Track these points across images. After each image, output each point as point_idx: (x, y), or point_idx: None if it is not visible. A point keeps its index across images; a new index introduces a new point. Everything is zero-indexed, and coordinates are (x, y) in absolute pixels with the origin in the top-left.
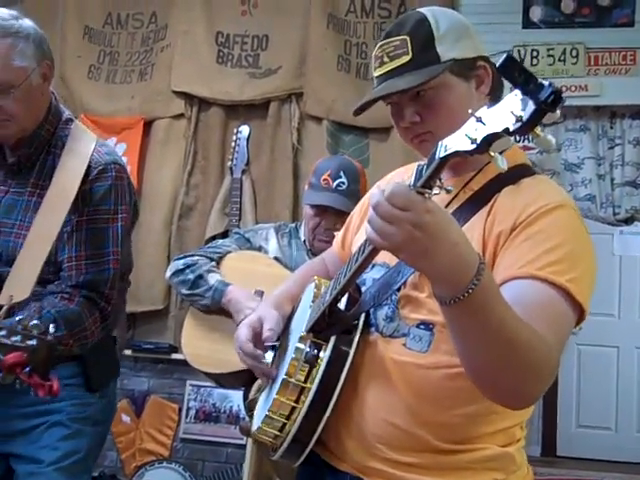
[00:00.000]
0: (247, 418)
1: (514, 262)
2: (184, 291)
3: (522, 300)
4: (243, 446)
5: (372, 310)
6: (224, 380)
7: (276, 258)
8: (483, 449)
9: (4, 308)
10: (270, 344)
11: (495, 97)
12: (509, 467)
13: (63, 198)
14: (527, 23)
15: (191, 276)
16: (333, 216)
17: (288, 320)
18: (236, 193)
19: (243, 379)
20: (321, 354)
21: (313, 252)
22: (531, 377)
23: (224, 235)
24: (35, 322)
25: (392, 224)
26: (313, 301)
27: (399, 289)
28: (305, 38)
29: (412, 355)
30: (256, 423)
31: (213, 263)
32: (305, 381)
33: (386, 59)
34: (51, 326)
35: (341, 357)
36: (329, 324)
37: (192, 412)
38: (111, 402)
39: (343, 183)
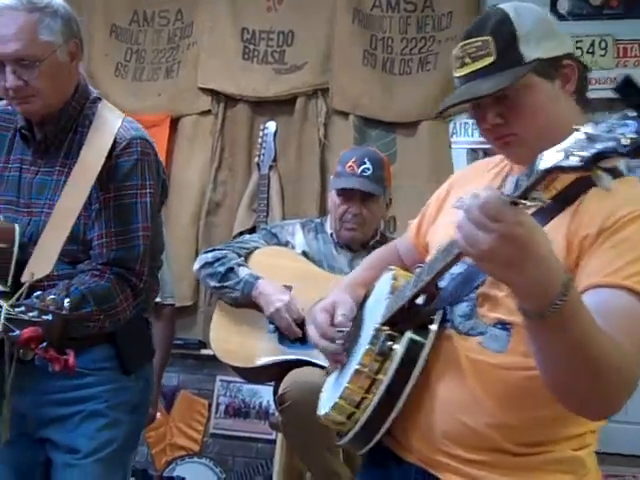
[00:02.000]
0: (277, 413)
1: (599, 269)
2: (213, 283)
3: (604, 309)
4: (273, 441)
5: (449, 306)
6: (252, 375)
7: (304, 252)
8: (553, 451)
9: (25, 285)
10: (343, 329)
11: (580, 95)
12: (579, 471)
13: (87, 174)
14: (555, 15)
15: (221, 269)
16: (359, 201)
17: (360, 306)
18: (263, 189)
19: (271, 374)
20: (396, 347)
21: (340, 244)
22: (612, 392)
23: (252, 231)
24: (52, 297)
25: (481, 232)
26: (391, 292)
27: (478, 287)
28: (330, 33)
29: (488, 354)
30: (324, 407)
31: (242, 259)
32: (378, 372)
33: (468, 60)
34: (66, 300)
35: (416, 352)
36: (406, 318)
37: (222, 407)
38: (148, 385)
39: (368, 169)
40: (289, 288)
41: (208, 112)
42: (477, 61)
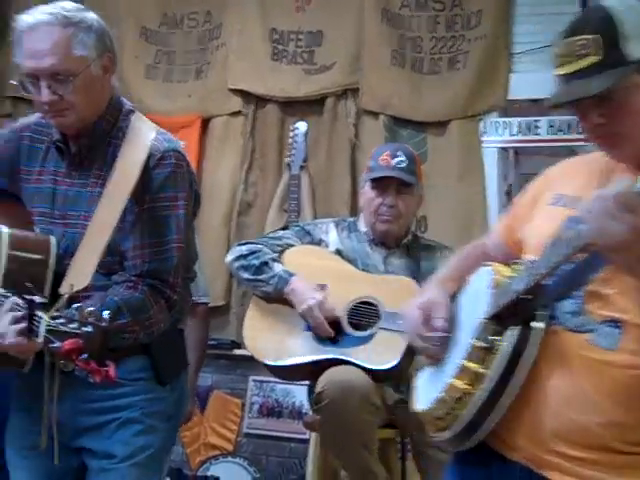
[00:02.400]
0: (310, 412)
1: None
2: (247, 276)
3: None
4: (306, 441)
5: (554, 302)
6: (286, 373)
7: (337, 251)
8: None
9: (64, 297)
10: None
11: None
12: None
13: (123, 187)
14: None
15: (255, 262)
16: (394, 193)
17: (452, 300)
18: (294, 189)
19: (306, 372)
20: (502, 342)
21: (375, 242)
22: None
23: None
24: (91, 309)
25: (615, 223)
26: (492, 287)
27: (585, 283)
28: (359, 33)
29: (598, 351)
30: (423, 403)
31: (276, 254)
32: (483, 367)
33: (570, 58)
34: (105, 312)
35: (523, 347)
36: (511, 313)
37: (255, 407)
38: (182, 395)
39: (402, 161)
40: (323, 287)
41: (238, 113)
42: (580, 60)
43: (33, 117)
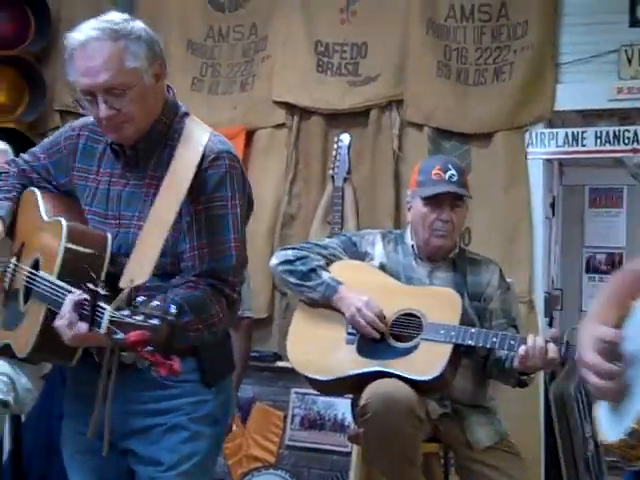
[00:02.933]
0: (353, 425)
1: None
2: (293, 280)
3: None
4: (348, 454)
5: None
6: (330, 387)
7: (381, 264)
8: None
9: (125, 291)
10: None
11: None
12: None
13: (178, 187)
14: (634, 22)
15: (302, 268)
16: (448, 207)
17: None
18: (338, 201)
19: (349, 386)
20: None
21: (421, 255)
22: None
23: None
24: (157, 302)
25: None
26: None
27: None
28: (404, 45)
29: None
30: (613, 434)
31: (324, 261)
32: None
33: None
34: (172, 307)
35: None
36: None
37: (297, 419)
38: (229, 399)
39: (454, 175)
40: None
41: (283, 125)
42: None
43: (91, 117)
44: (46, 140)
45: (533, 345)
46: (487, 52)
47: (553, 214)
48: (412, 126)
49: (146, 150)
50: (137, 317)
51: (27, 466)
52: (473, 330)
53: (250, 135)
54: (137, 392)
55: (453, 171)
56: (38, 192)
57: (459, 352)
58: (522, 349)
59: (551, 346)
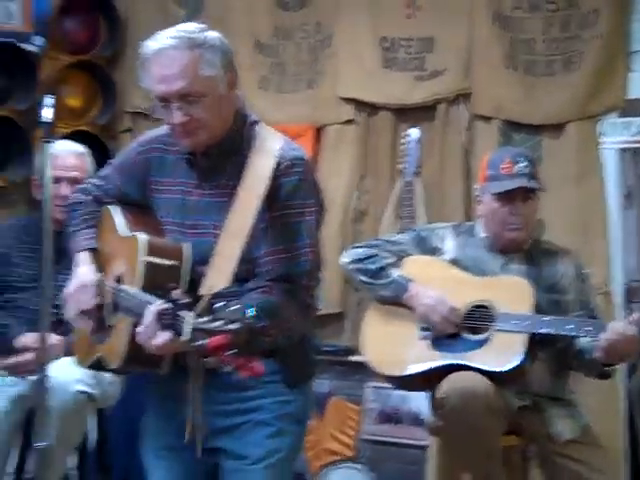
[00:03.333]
0: (432, 419)
1: None
2: (363, 279)
3: None
4: (426, 447)
5: None
6: (406, 383)
7: (453, 259)
8: None
9: (205, 298)
10: None
11: None
12: None
13: (253, 194)
14: None
15: (372, 267)
16: (521, 200)
17: None
18: (408, 196)
19: (425, 381)
20: None
21: (494, 248)
22: None
23: None
24: (236, 307)
25: None
26: None
27: None
28: (471, 37)
29: None
30: None
31: (394, 258)
32: None
33: None
34: (248, 310)
35: None
36: None
37: (373, 413)
38: (310, 400)
39: (525, 166)
40: None
41: (351, 121)
42: None
43: (162, 129)
44: (116, 160)
45: (615, 331)
46: (555, 42)
47: (629, 205)
48: (481, 119)
49: (219, 159)
50: (217, 322)
51: (111, 460)
52: (547, 318)
53: (318, 132)
54: (222, 393)
55: (523, 163)
56: (114, 209)
57: (535, 342)
58: (602, 336)
59: (633, 330)
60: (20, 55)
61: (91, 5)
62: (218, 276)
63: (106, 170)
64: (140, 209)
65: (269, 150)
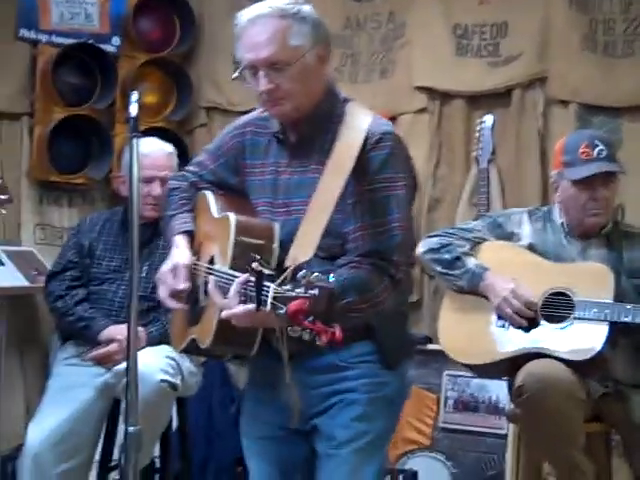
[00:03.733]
0: (511, 406)
1: None
2: (438, 269)
3: None
4: (504, 436)
5: None
6: (485, 371)
7: (530, 245)
8: None
9: (290, 268)
10: None
11: None
12: None
13: (340, 169)
14: None
15: (447, 256)
16: (601, 184)
17: None
18: (483, 183)
19: (504, 368)
20: None
21: (572, 233)
22: None
23: None
24: (317, 274)
25: None
26: None
27: None
28: (546, 21)
29: None
30: None
31: (469, 246)
32: None
33: None
34: (331, 276)
35: None
36: None
37: (450, 402)
38: (405, 383)
39: (603, 150)
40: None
41: (424, 110)
42: None
43: (254, 113)
44: (211, 145)
45: None
46: (635, 22)
47: None
48: (557, 103)
49: (309, 135)
50: (298, 289)
51: (191, 448)
52: (629, 306)
53: (392, 122)
54: (313, 377)
55: (601, 146)
56: (209, 194)
57: (616, 330)
58: None
59: None
60: (98, 55)
61: (166, 4)
62: (302, 249)
63: (201, 156)
64: (234, 193)
65: (358, 125)
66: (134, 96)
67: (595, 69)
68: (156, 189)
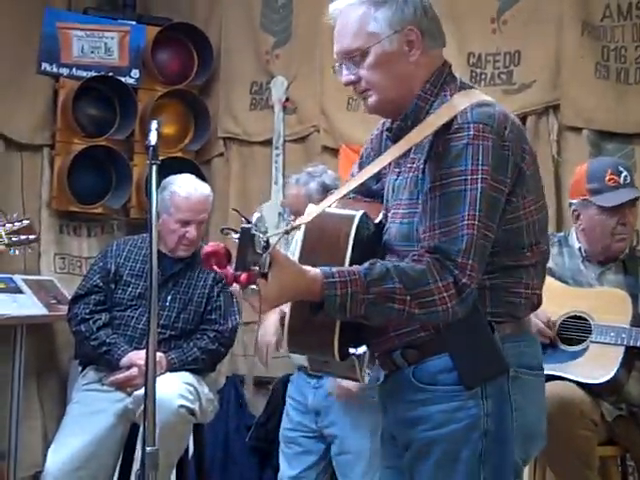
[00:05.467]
0: None
1: None
2: None
3: None
4: None
5: None
6: None
7: (548, 269)
8: None
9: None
10: None
11: None
12: None
13: (401, 146)
14: None
15: None
16: (628, 211)
17: None
18: None
19: None
20: None
21: (589, 258)
22: None
23: None
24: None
25: None
26: None
27: None
28: (559, 49)
29: None
30: None
31: None
32: None
33: None
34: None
35: None
36: None
37: None
38: (500, 408)
39: (628, 176)
40: None
41: None
42: None
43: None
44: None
45: None
46: None
47: None
48: (571, 130)
49: (404, 130)
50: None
51: (208, 474)
52: None
53: None
54: (400, 398)
55: (625, 173)
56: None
57: (632, 354)
58: None
59: None
60: (118, 87)
61: (184, 37)
62: None
63: (354, 167)
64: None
65: (446, 112)
66: (154, 124)
67: (608, 96)
68: (192, 232)
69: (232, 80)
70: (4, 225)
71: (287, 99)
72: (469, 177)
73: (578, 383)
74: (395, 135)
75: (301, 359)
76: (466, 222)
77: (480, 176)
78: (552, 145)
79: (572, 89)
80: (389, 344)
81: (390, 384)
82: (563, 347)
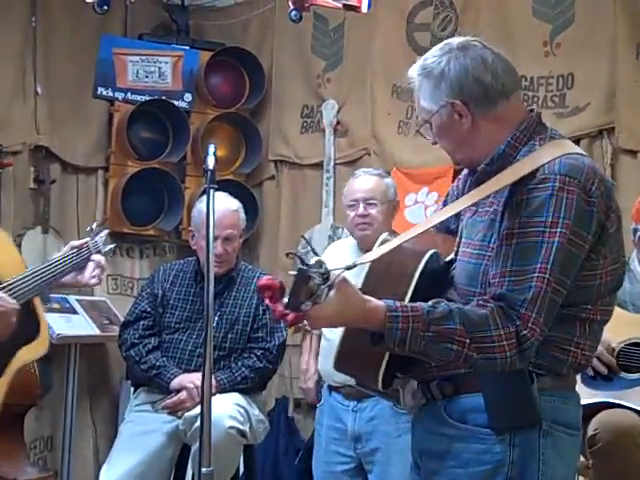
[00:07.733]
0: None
1: None
2: None
3: None
4: None
5: None
6: None
7: None
8: None
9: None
10: None
11: None
12: None
13: (481, 191)
14: None
15: None
16: None
17: None
18: None
19: None
20: None
21: None
22: None
23: None
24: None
25: None
26: None
27: None
28: (613, 71)
29: None
30: None
31: None
32: None
33: None
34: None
35: None
36: None
37: None
38: (526, 458)
39: None
40: None
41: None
42: None
43: None
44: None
45: None
46: None
47: None
48: (626, 153)
49: (488, 173)
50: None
51: None
52: None
53: (457, 173)
54: (425, 432)
55: None
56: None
57: None
58: None
59: None
60: (171, 111)
61: (236, 61)
62: None
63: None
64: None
65: (531, 161)
66: (211, 149)
67: None
68: (218, 248)
69: (283, 103)
70: (98, 235)
71: (338, 122)
72: (548, 230)
73: (637, 412)
74: (479, 178)
75: (336, 376)
76: (537, 274)
77: (559, 230)
78: (606, 169)
79: (627, 112)
80: (429, 374)
81: (423, 413)
82: (622, 374)
